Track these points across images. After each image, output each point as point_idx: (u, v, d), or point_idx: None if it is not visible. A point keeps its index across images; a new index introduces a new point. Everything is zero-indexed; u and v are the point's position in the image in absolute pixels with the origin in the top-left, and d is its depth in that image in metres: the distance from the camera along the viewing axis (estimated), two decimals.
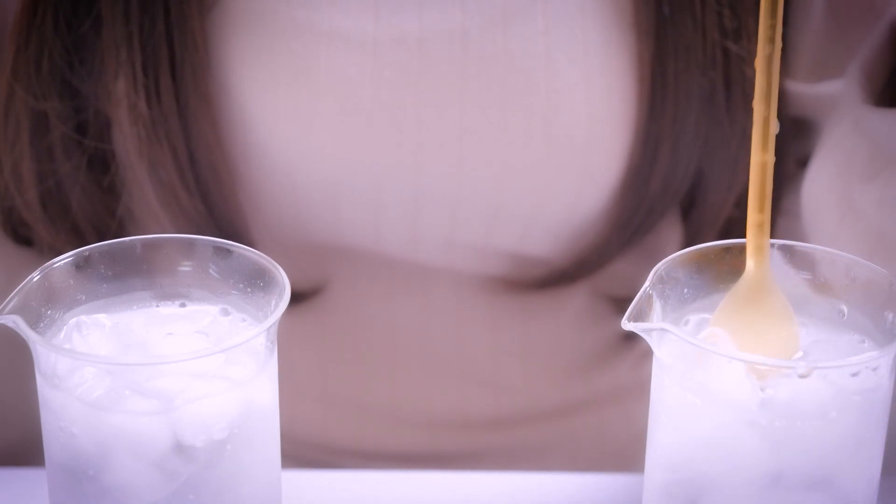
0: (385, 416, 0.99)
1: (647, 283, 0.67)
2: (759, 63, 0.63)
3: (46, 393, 0.65)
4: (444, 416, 0.99)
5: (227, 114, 0.87)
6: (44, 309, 0.67)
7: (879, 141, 0.83)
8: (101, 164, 0.90)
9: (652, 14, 0.87)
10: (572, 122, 0.87)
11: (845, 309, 0.69)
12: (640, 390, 1.01)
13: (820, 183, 0.87)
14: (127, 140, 0.87)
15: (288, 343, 0.98)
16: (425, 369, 0.98)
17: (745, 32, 0.88)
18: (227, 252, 0.69)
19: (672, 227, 0.95)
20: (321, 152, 0.87)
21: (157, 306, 0.70)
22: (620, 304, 0.98)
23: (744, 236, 0.83)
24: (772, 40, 0.63)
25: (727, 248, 0.70)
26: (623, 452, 1.03)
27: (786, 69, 0.90)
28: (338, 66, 0.86)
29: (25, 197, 0.90)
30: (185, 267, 0.70)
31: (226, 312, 0.69)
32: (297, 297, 0.94)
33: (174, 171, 0.87)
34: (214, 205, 0.88)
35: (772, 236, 0.95)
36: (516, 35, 0.86)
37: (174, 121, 0.86)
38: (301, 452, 1.01)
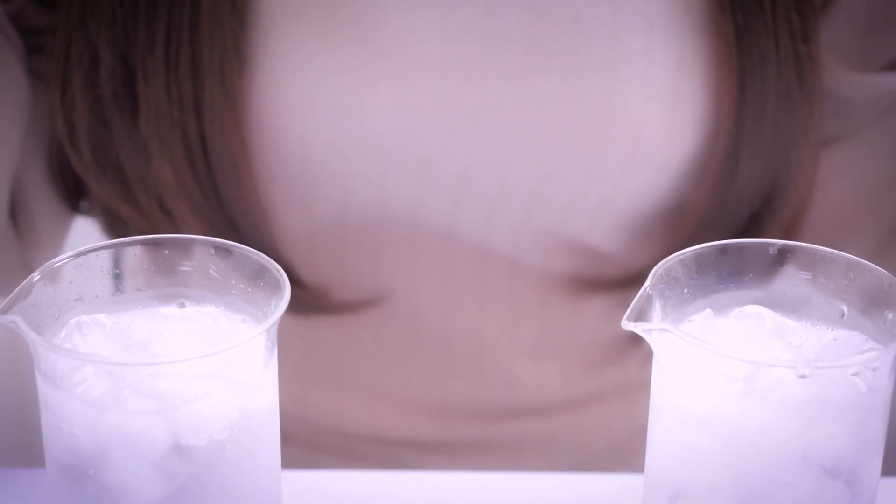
0: (398, 402, 0.99)
1: (647, 283, 0.68)
2: None
3: (46, 393, 0.65)
4: (456, 406, 1.00)
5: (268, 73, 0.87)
6: (44, 309, 0.67)
7: None
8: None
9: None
10: (629, 91, 0.87)
11: (845, 309, 0.69)
12: (645, 387, 1.02)
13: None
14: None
15: (304, 327, 0.98)
16: (442, 359, 0.98)
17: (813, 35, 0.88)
18: (227, 252, 0.69)
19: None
20: (380, 107, 0.87)
21: (157, 306, 0.70)
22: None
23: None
24: None
25: (726, 248, 0.70)
26: (627, 447, 1.04)
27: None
28: (406, 22, 0.86)
29: (76, 143, 0.90)
30: (185, 267, 0.70)
31: (226, 313, 0.69)
32: (332, 308, 0.95)
33: (183, 148, 0.88)
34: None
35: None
36: (585, 0, 0.86)
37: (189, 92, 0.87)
38: (314, 437, 1.01)
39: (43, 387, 0.65)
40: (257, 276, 0.68)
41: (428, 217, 0.91)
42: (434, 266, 0.94)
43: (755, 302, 0.70)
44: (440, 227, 0.91)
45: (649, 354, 1.01)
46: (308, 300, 0.95)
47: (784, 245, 0.70)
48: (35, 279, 0.67)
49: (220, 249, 0.70)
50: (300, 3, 0.86)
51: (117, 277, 0.69)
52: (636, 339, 0.99)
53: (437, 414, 1.00)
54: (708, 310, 0.70)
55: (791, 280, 0.70)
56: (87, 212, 0.97)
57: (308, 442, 1.01)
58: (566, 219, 0.91)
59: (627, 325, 0.66)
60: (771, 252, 0.70)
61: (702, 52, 0.87)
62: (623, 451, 1.04)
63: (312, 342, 0.98)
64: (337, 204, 0.91)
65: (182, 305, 0.70)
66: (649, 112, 0.87)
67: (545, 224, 0.91)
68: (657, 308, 0.68)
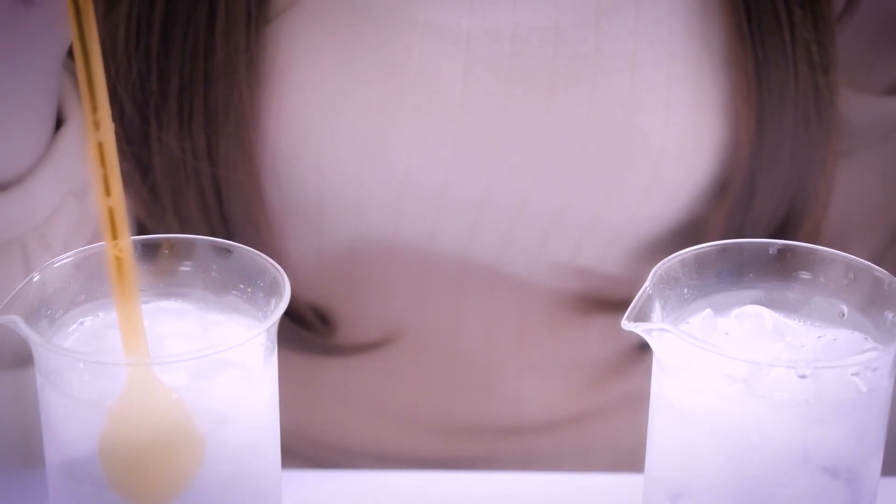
0: (404, 420, 0.99)
1: (647, 283, 0.68)
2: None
3: (46, 393, 0.65)
4: (463, 423, 0.99)
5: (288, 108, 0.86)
6: (44, 309, 0.67)
7: None
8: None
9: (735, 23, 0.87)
10: (649, 123, 0.87)
11: (845, 309, 0.69)
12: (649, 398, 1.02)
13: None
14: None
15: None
16: (449, 377, 0.98)
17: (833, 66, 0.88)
18: (228, 252, 0.69)
19: None
20: (399, 142, 0.87)
21: (158, 306, 0.70)
22: None
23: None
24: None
25: (726, 248, 0.70)
26: (633, 457, 1.04)
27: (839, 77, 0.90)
28: (430, 59, 0.86)
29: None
30: (185, 267, 0.70)
31: (226, 312, 0.69)
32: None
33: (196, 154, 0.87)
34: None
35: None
36: (608, 35, 0.86)
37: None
38: (317, 454, 1.01)
39: (43, 387, 0.65)
40: (257, 276, 0.68)
41: (441, 245, 0.91)
42: (444, 288, 0.94)
43: (755, 302, 0.70)
44: (453, 254, 0.91)
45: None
46: (318, 341, 0.95)
47: (784, 245, 0.70)
48: (35, 279, 0.67)
49: (220, 249, 0.70)
50: (320, 42, 0.86)
51: None
52: (641, 351, 1.00)
53: (444, 431, 0.99)
54: (708, 310, 0.70)
55: (791, 280, 0.70)
56: None
57: (311, 459, 1.01)
58: (581, 246, 0.91)
59: (627, 325, 0.66)
60: (771, 252, 0.70)
61: (721, 84, 0.87)
62: (628, 464, 1.04)
63: (317, 359, 0.98)
64: (350, 231, 0.90)
65: (182, 305, 0.70)
66: (668, 143, 0.87)
67: (559, 251, 0.91)
68: (657, 308, 0.68)
